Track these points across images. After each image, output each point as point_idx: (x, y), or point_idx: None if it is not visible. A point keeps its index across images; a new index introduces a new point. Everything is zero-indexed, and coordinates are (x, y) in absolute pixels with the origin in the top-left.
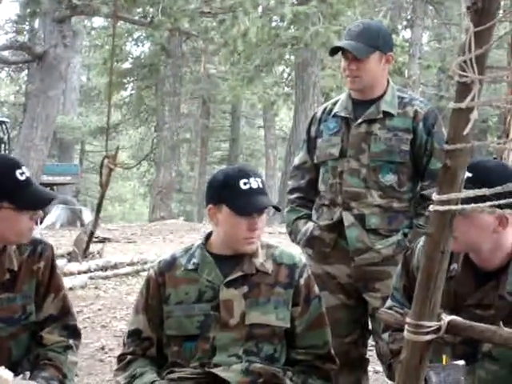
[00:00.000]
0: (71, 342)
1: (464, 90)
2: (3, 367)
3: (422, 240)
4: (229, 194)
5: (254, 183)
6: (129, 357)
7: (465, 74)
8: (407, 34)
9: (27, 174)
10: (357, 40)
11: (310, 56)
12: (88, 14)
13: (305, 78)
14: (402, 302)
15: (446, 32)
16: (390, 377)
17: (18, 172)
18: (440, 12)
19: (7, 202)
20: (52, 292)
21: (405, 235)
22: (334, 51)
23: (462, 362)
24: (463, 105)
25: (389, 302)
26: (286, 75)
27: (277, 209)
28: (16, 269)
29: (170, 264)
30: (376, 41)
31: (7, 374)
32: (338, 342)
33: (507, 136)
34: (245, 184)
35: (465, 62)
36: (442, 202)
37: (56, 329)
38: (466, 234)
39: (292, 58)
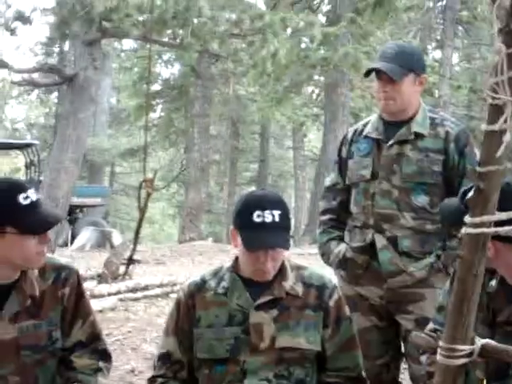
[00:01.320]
0: (101, 364)
1: (496, 111)
2: None
3: None
4: (241, 223)
5: (269, 216)
6: (159, 379)
7: (497, 95)
8: (437, 54)
9: (33, 197)
10: (391, 62)
11: (339, 77)
12: (118, 36)
13: (334, 99)
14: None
15: (476, 52)
16: None
17: (20, 196)
18: (470, 32)
19: (10, 227)
20: (80, 318)
21: (438, 257)
22: (369, 73)
23: None
24: (496, 127)
25: (430, 325)
26: (315, 96)
27: (286, 247)
28: (38, 294)
29: (200, 287)
30: (410, 63)
31: None
32: (370, 365)
33: None
34: (258, 216)
35: (497, 83)
36: (475, 225)
37: (86, 353)
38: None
39: (321, 78)
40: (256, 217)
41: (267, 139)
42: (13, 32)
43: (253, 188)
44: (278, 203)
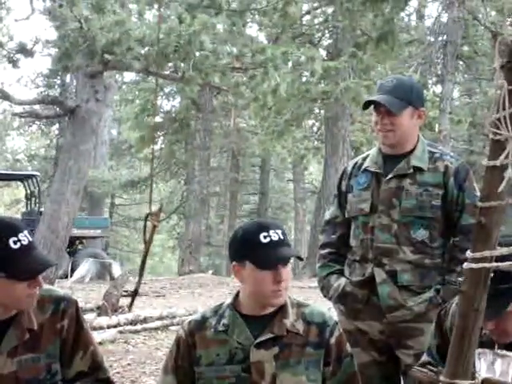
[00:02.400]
0: None
1: (498, 147)
2: None
3: (456, 300)
4: (250, 249)
5: (274, 235)
6: None
7: (499, 131)
8: (438, 88)
9: (24, 241)
10: (390, 95)
11: (339, 110)
12: (120, 69)
13: (334, 132)
14: (437, 359)
15: (476, 87)
16: None
17: (11, 240)
18: (470, 67)
19: (0, 271)
20: (80, 349)
21: (437, 292)
22: (367, 105)
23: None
24: (497, 162)
25: (424, 357)
26: (315, 129)
27: (299, 258)
28: (36, 328)
29: (200, 324)
30: (409, 96)
31: None
32: None
33: None
34: (265, 237)
35: (499, 119)
36: (476, 260)
37: (88, 382)
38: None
39: (322, 112)
40: (263, 238)
41: (267, 172)
42: (15, 64)
43: None
44: (277, 224)
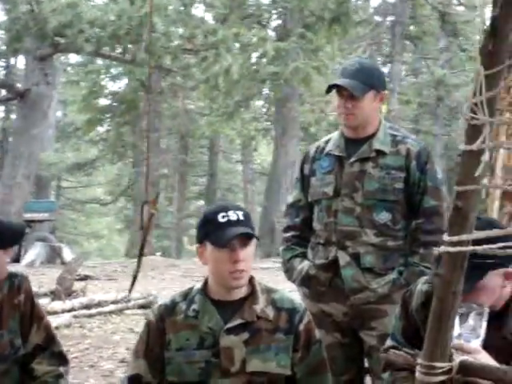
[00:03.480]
0: (61, 369)
1: (475, 131)
2: None
3: (420, 282)
4: (208, 229)
5: (233, 215)
6: None
7: (476, 116)
8: (386, 69)
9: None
10: (353, 78)
11: (289, 92)
12: (71, 51)
13: (284, 114)
14: (402, 343)
15: (423, 66)
16: None
17: None
18: (418, 47)
19: None
20: (35, 322)
21: (400, 273)
22: (330, 89)
23: (487, 309)
24: (474, 147)
25: (388, 342)
26: (265, 110)
27: (254, 237)
28: None
29: (170, 309)
30: (371, 79)
31: None
32: (335, 381)
33: (492, 172)
34: (223, 217)
35: (476, 104)
36: (453, 244)
37: (45, 359)
38: (483, 302)
39: (271, 93)
40: (221, 218)
41: (216, 153)
42: None
43: (202, 202)
44: (239, 206)
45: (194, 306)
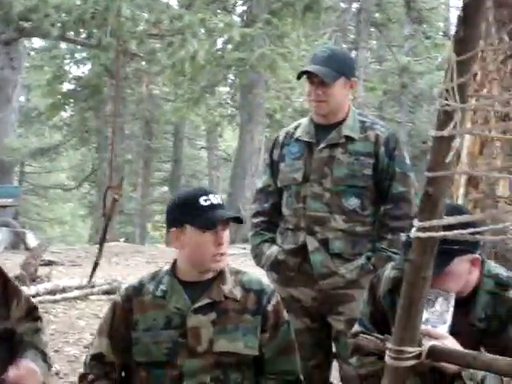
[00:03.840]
0: (39, 324)
1: (446, 117)
2: None
3: (388, 268)
4: (190, 212)
5: (214, 199)
6: (90, 376)
7: (447, 102)
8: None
9: None
10: (324, 65)
11: (254, 78)
12: (37, 36)
13: (250, 100)
14: (370, 328)
15: (388, 54)
16: None
17: None
18: (383, 33)
19: None
20: (14, 298)
21: (368, 259)
22: (301, 75)
23: (453, 295)
24: (445, 133)
25: (356, 327)
26: (230, 96)
27: (239, 220)
28: None
29: (138, 290)
30: (342, 66)
31: None
32: (302, 366)
33: (458, 158)
34: (205, 201)
35: (447, 90)
36: (424, 229)
37: (28, 325)
38: (450, 288)
39: (237, 79)
40: (203, 201)
41: (181, 139)
42: None
43: (166, 188)
44: (213, 190)
45: (162, 287)
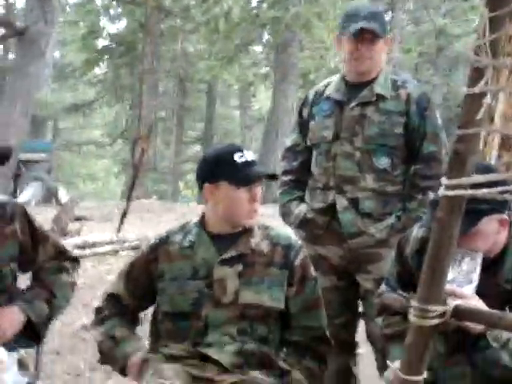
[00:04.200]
0: (66, 263)
1: (477, 74)
2: None
3: (416, 227)
4: (226, 168)
5: (249, 155)
6: (106, 312)
7: (479, 58)
8: (387, 17)
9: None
10: (373, 21)
11: (289, 37)
12: None
13: (284, 59)
14: (396, 288)
15: (424, 15)
16: (381, 360)
17: None
18: None
19: None
20: (40, 244)
21: (398, 218)
22: (357, 32)
23: (480, 254)
24: (476, 89)
25: (383, 287)
26: (264, 56)
27: (274, 177)
28: None
29: (164, 240)
30: (384, 23)
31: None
32: (329, 324)
33: (492, 120)
34: (240, 157)
35: (479, 46)
36: (452, 187)
37: (55, 263)
38: (477, 248)
39: (271, 38)
40: (238, 158)
41: (214, 98)
42: None
43: (199, 147)
44: (245, 147)
45: (190, 238)
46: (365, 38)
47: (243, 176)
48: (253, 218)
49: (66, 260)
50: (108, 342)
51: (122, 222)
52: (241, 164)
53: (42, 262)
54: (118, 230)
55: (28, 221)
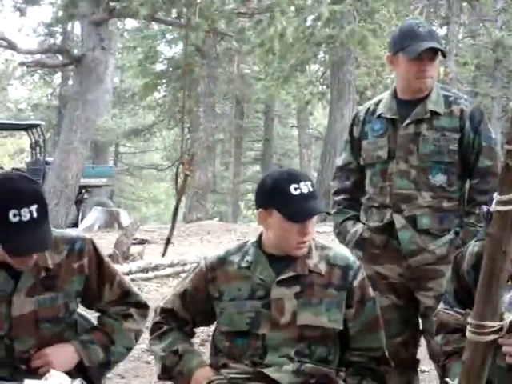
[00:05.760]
0: (132, 310)
1: None
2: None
3: (472, 244)
4: (279, 199)
5: (305, 188)
6: (165, 327)
7: None
8: (443, 31)
9: (25, 216)
10: (432, 40)
11: (344, 54)
12: (126, 16)
13: (340, 77)
14: (454, 305)
15: (480, 28)
16: (444, 377)
17: (11, 213)
18: (475, 8)
19: None
20: (106, 282)
21: (457, 234)
22: (421, 53)
23: None
24: None
25: (441, 305)
26: (320, 74)
27: (327, 213)
28: (51, 267)
29: (223, 260)
30: (440, 40)
31: (65, 380)
32: (389, 343)
33: None
34: (295, 189)
35: None
36: (504, 203)
37: (119, 304)
38: None
39: (327, 56)
40: (293, 190)
41: (272, 118)
42: (22, 13)
43: (258, 167)
44: (305, 175)
45: (248, 258)
46: (426, 57)
47: (296, 210)
48: (301, 249)
49: (134, 305)
50: (171, 357)
51: (166, 247)
52: (296, 197)
53: (107, 304)
54: (163, 255)
55: (96, 255)
